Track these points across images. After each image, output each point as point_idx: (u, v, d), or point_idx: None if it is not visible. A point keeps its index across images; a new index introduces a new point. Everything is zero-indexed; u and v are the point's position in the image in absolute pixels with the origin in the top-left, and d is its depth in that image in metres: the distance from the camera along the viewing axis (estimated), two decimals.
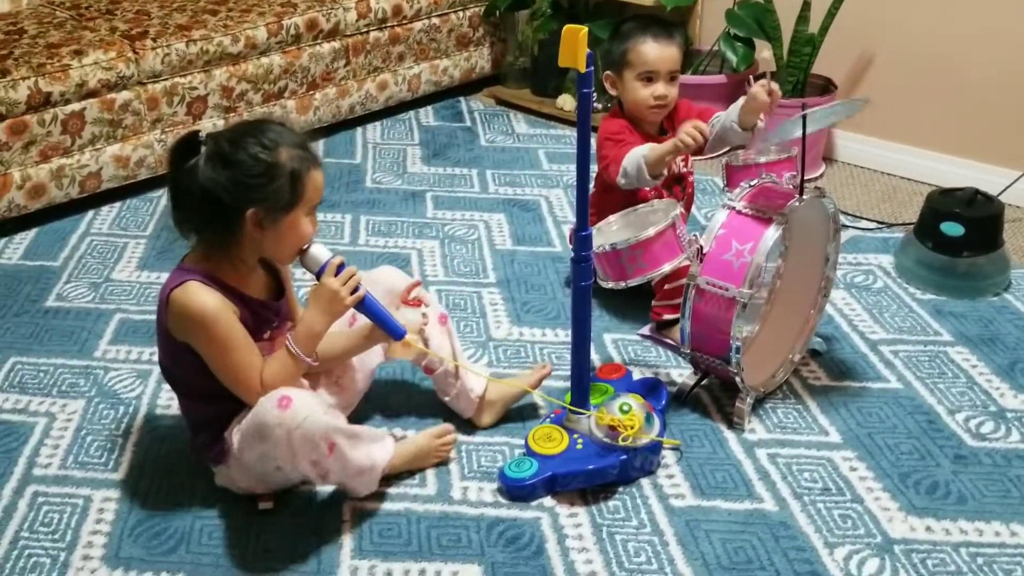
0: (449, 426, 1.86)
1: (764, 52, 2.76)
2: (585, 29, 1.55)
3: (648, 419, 1.79)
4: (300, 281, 2.21)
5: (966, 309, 2.35)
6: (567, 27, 1.57)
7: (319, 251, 1.69)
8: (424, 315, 1.83)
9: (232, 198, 1.58)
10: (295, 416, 1.56)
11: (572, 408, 1.83)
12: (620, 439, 1.73)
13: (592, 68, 1.61)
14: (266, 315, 1.73)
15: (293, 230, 1.64)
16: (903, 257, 2.52)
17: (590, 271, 1.75)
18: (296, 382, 1.70)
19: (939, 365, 2.15)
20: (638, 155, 2.14)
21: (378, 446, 1.73)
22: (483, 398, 1.91)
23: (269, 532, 1.69)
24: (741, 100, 2.19)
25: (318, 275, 1.69)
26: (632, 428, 1.73)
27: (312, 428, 1.57)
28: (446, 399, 1.94)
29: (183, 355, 1.67)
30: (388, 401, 2.03)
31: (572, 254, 1.75)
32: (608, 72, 2.30)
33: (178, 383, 1.76)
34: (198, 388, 1.70)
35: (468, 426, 1.94)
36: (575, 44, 1.55)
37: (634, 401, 1.78)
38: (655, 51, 2.20)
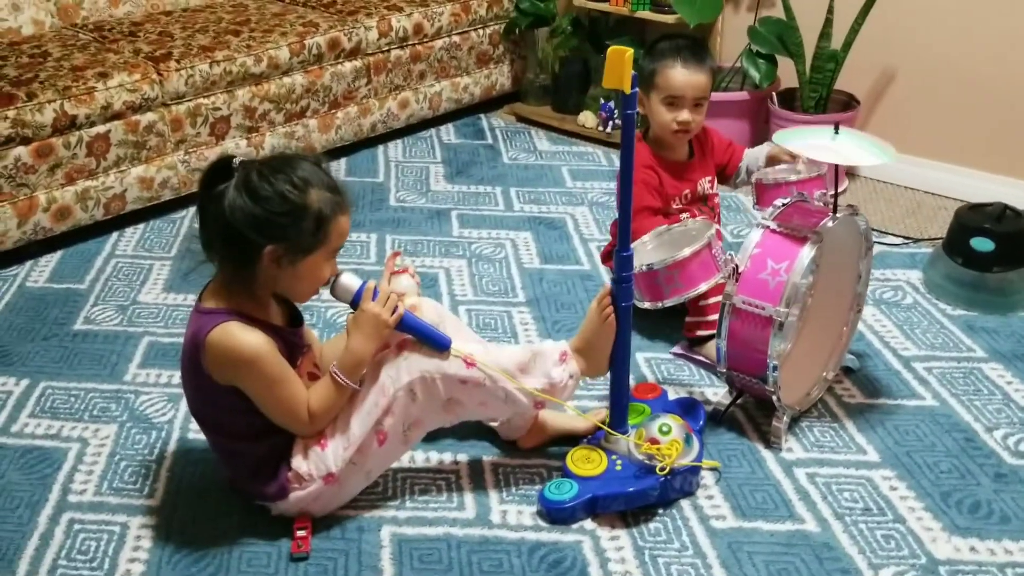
0: (605, 287, 1.77)
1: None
2: (631, 51, 1.55)
3: (687, 440, 1.78)
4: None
5: (998, 324, 2.34)
6: (613, 48, 1.56)
7: (349, 280, 1.69)
8: (414, 276, 1.82)
9: (254, 232, 1.56)
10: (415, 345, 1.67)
11: (609, 430, 1.82)
12: (658, 469, 1.72)
13: (636, 89, 1.61)
14: (295, 343, 1.72)
15: (311, 273, 1.63)
16: (932, 272, 2.51)
17: (631, 292, 1.74)
18: (340, 409, 1.69)
19: (974, 382, 2.13)
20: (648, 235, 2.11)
21: (543, 351, 1.73)
22: (537, 420, 1.90)
23: (309, 559, 1.68)
24: (767, 147, 2.25)
25: (353, 303, 1.68)
26: (671, 457, 1.72)
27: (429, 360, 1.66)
28: (494, 424, 1.93)
29: (226, 397, 1.64)
30: None
31: (606, 273, 1.74)
32: (636, 90, 2.29)
33: (222, 428, 1.72)
34: (247, 428, 1.67)
35: (507, 448, 1.93)
36: (621, 65, 1.55)
37: (673, 422, 1.77)
38: (682, 77, 2.20)
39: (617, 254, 1.72)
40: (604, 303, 1.75)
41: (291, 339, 1.71)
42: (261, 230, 1.56)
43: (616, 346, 1.77)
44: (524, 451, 1.92)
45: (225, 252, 1.61)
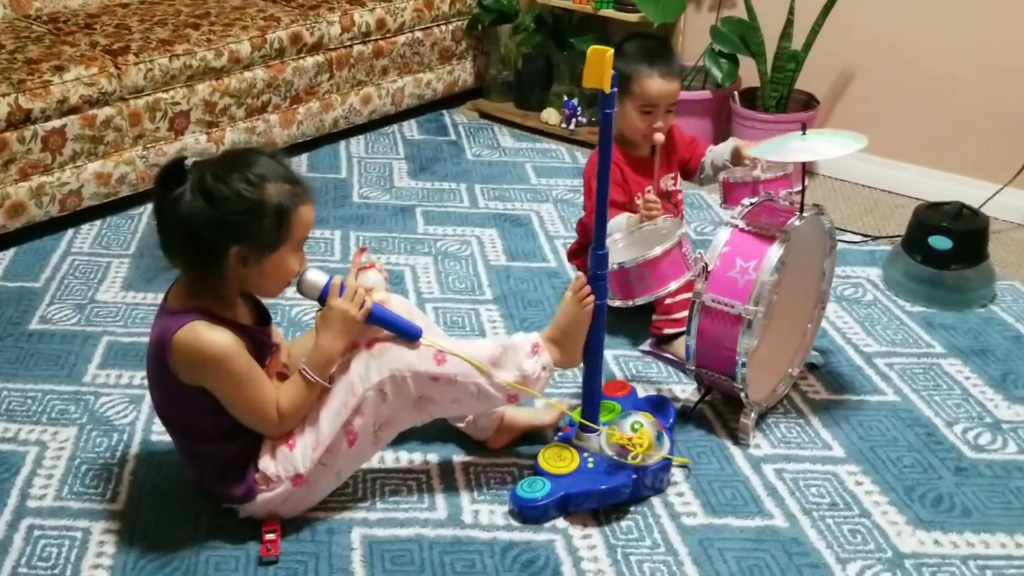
0: (577, 279, 1.77)
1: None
2: (611, 51, 1.56)
3: (658, 437, 1.79)
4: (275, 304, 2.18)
5: (956, 321, 2.39)
6: (593, 48, 1.57)
7: (316, 276, 1.66)
8: (382, 271, 1.80)
9: (215, 235, 1.54)
10: (384, 342, 1.65)
11: (586, 423, 1.82)
12: (630, 457, 1.73)
13: (616, 89, 1.61)
14: (263, 342, 1.70)
15: (279, 268, 1.61)
16: (892, 270, 2.56)
17: (605, 290, 1.75)
18: (311, 406, 1.67)
19: (933, 377, 2.18)
20: (617, 225, 2.14)
21: (514, 343, 1.72)
22: (503, 420, 1.90)
23: (278, 563, 1.66)
24: (732, 142, 2.26)
25: (320, 300, 1.66)
26: (642, 446, 1.73)
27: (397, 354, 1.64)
28: (460, 424, 1.91)
29: (193, 398, 1.61)
30: None
31: (572, 271, 1.75)
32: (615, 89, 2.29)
33: (189, 428, 1.69)
34: (215, 429, 1.65)
35: (477, 448, 1.92)
36: (601, 65, 1.55)
37: (645, 419, 1.78)
38: (660, 87, 2.20)
39: (593, 252, 1.72)
40: (583, 292, 1.74)
41: (259, 338, 1.68)
42: (222, 233, 1.54)
43: (589, 344, 1.78)
44: (494, 451, 1.91)
45: (189, 256, 1.59)
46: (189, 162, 1.56)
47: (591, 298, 1.74)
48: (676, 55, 2.30)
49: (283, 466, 1.66)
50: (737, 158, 2.26)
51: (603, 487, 1.73)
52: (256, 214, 1.54)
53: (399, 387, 1.66)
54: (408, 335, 1.69)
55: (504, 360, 1.71)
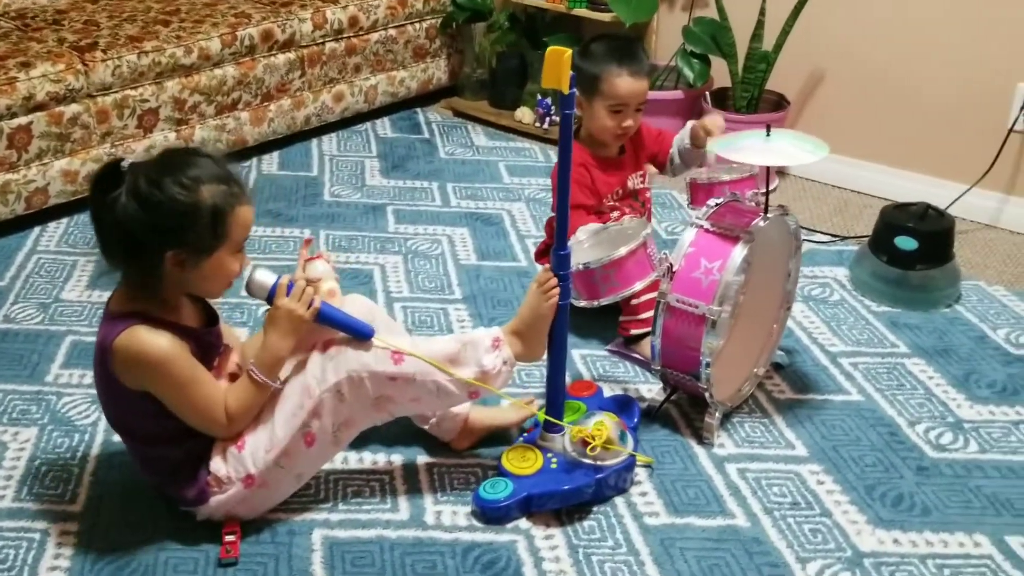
0: (542, 273, 1.75)
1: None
2: (569, 51, 1.55)
3: (622, 437, 1.79)
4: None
5: (920, 321, 2.41)
6: (551, 49, 1.57)
7: (263, 276, 1.65)
8: (330, 262, 1.78)
9: (151, 239, 1.52)
10: (339, 344, 1.64)
11: (551, 420, 1.82)
12: (589, 449, 1.73)
13: (575, 90, 1.61)
14: (211, 343, 1.68)
15: (218, 271, 1.59)
16: (858, 270, 2.57)
17: (568, 290, 1.75)
18: (260, 407, 1.66)
19: (897, 377, 2.19)
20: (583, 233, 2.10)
21: (474, 339, 1.71)
22: (467, 421, 1.89)
23: (237, 565, 1.65)
24: (690, 124, 2.30)
25: (268, 299, 1.64)
26: (601, 438, 1.73)
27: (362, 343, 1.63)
28: (425, 426, 1.90)
29: (139, 403, 1.60)
30: None
31: (541, 270, 1.75)
32: (575, 91, 2.29)
33: (136, 432, 1.68)
34: (162, 433, 1.63)
35: (441, 448, 1.92)
36: (559, 66, 1.55)
37: (608, 419, 1.79)
38: (630, 86, 2.20)
39: (554, 252, 1.72)
40: (548, 284, 1.72)
41: (205, 339, 1.66)
42: (158, 237, 1.52)
43: (552, 343, 1.78)
44: (459, 451, 1.91)
45: (127, 260, 1.57)
46: (125, 164, 1.54)
47: (555, 291, 1.73)
48: (644, 53, 2.30)
49: (233, 467, 1.65)
50: (696, 139, 2.27)
51: (565, 487, 1.74)
52: (191, 217, 1.52)
53: (356, 388, 1.65)
54: (360, 334, 1.67)
55: (464, 356, 1.69)
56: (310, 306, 1.63)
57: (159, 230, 1.52)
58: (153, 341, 1.55)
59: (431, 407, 1.79)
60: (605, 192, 2.29)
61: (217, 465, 1.65)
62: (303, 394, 1.64)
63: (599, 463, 1.75)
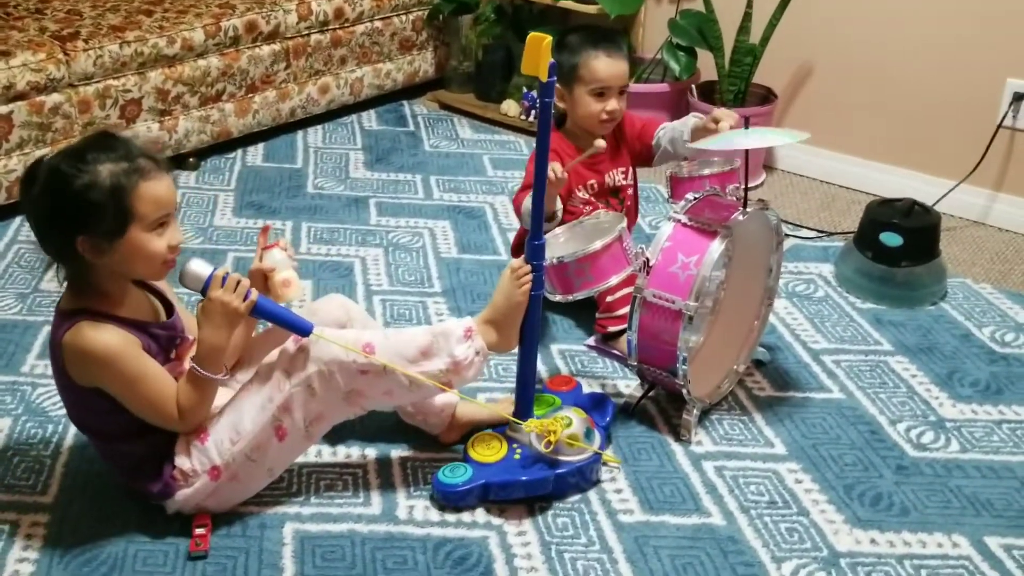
0: (515, 261, 1.74)
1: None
2: (549, 38, 1.54)
3: (587, 434, 1.77)
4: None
5: (905, 318, 2.39)
6: (531, 35, 1.55)
7: (198, 267, 1.58)
8: (287, 249, 1.74)
9: (59, 228, 1.50)
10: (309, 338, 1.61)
11: (510, 419, 1.80)
12: (543, 444, 1.72)
13: (555, 78, 1.59)
14: (165, 336, 1.65)
15: (139, 251, 1.52)
16: (843, 266, 2.55)
17: (541, 280, 1.73)
18: (212, 401, 1.63)
19: (880, 375, 2.18)
20: (527, 204, 2.07)
21: (446, 330, 1.68)
22: (454, 415, 1.87)
23: (207, 558, 1.63)
24: (692, 118, 2.18)
25: (203, 291, 1.59)
26: (555, 433, 1.71)
27: (332, 337, 1.61)
28: (411, 421, 1.88)
29: (93, 400, 1.58)
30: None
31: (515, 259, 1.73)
32: (556, 83, 2.26)
33: (95, 429, 1.66)
34: (120, 428, 1.61)
35: (416, 442, 1.90)
36: (538, 53, 1.53)
37: (575, 415, 1.77)
38: (608, 67, 2.18)
39: (528, 242, 1.71)
40: (521, 271, 1.71)
41: (158, 332, 1.63)
42: (64, 223, 1.50)
43: (523, 335, 1.76)
44: (438, 445, 1.89)
45: (50, 253, 1.56)
46: (45, 160, 1.53)
47: (528, 279, 1.71)
48: (620, 37, 2.28)
49: (198, 460, 1.64)
50: (697, 134, 2.19)
51: (523, 479, 1.72)
52: (88, 198, 1.48)
53: (326, 381, 1.63)
54: (298, 330, 1.64)
55: (435, 348, 1.67)
56: (246, 298, 1.59)
57: (63, 216, 1.50)
58: (98, 337, 1.52)
59: (404, 400, 1.77)
60: (575, 183, 2.25)
61: (182, 460, 1.64)
62: (272, 387, 1.62)
63: (558, 458, 1.74)
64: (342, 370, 1.62)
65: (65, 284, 1.61)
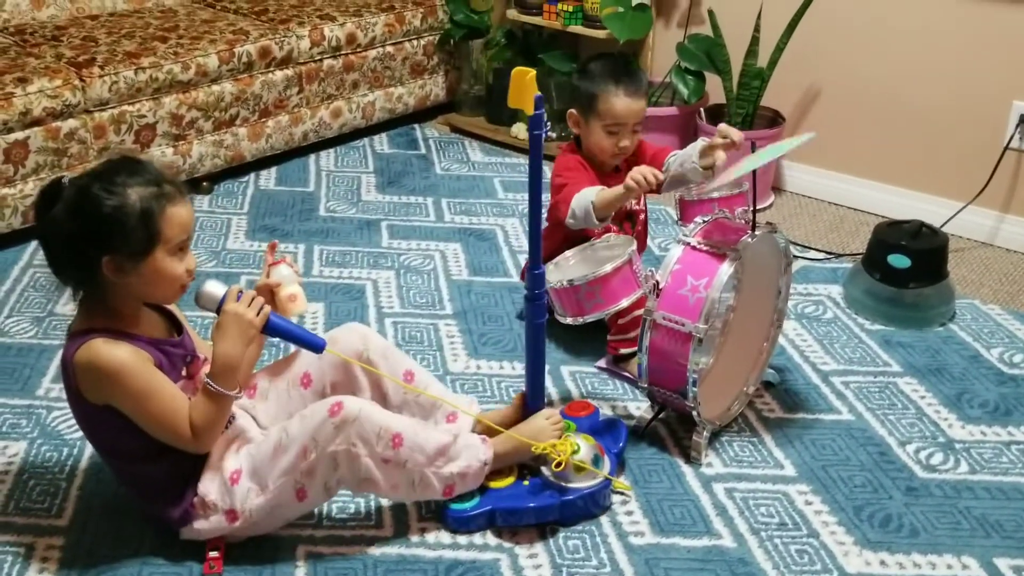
0: (554, 413, 1.84)
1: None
2: (533, 72, 1.57)
3: (596, 461, 1.78)
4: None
5: (914, 339, 2.40)
6: (516, 70, 1.58)
7: (213, 287, 1.61)
8: (293, 266, 1.77)
9: (84, 248, 1.52)
10: (349, 412, 1.61)
11: (524, 439, 1.81)
12: (552, 465, 1.73)
13: (542, 111, 1.61)
14: (177, 353, 1.67)
15: (159, 274, 1.56)
16: (852, 288, 2.56)
17: (543, 309, 1.75)
18: (225, 419, 1.64)
19: (889, 396, 2.18)
20: (587, 198, 2.13)
21: (464, 434, 1.75)
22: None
23: None
24: (700, 142, 2.19)
25: (218, 310, 1.61)
26: (564, 455, 1.73)
27: (369, 418, 1.62)
28: None
29: (106, 419, 1.59)
30: None
31: (525, 291, 1.75)
32: (573, 111, 2.28)
33: (112, 450, 1.67)
34: (139, 448, 1.62)
35: None
36: (523, 87, 1.56)
37: (584, 442, 1.78)
38: (626, 106, 2.20)
39: (529, 272, 1.73)
40: (556, 418, 1.81)
41: (170, 350, 1.65)
42: (90, 244, 1.52)
43: (530, 363, 1.77)
44: None
45: (70, 273, 1.58)
46: (66, 180, 1.56)
47: (560, 426, 1.81)
48: (642, 73, 2.30)
49: (220, 496, 1.65)
50: (706, 154, 2.18)
51: (530, 505, 1.73)
52: (118, 220, 1.51)
53: (352, 462, 1.63)
54: (310, 346, 1.67)
55: (454, 450, 1.71)
56: (259, 312, 1.60)
57: (90, 236, 1.52)
58: (109, 352, 1.54)
59: (402, 497, 1.76)
60: None
61: (206, 487, 1.65)
62: (301, 454, 1.62)
63: (566, 484, 1.75)
64: (369, 455, 1.63)
65: (78, 307, 1.63)
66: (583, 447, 1.76)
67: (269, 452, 1.65)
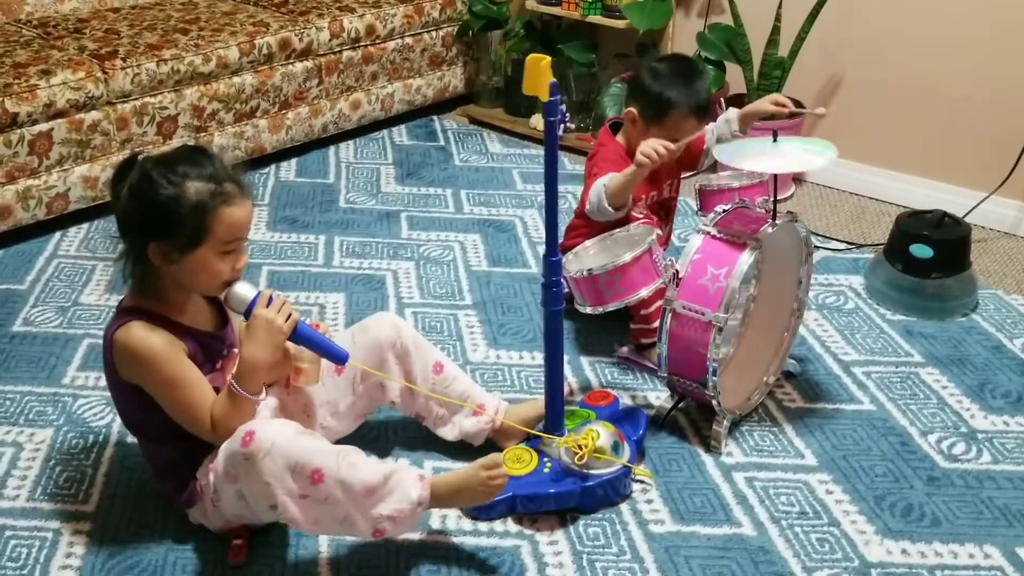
0: (499, 456, 1.66)
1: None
2: (548, 59, 1.57)
3: (615, 448, 1.79)
4: None
5: (936, 330, 2.38)
6: (530, 56, 1.58)
7: (244, 289, 1.62)
8: (323, 328, 1.73)
9: (136, 229, 1.55)
10: (260, 445, 1.49)
11: (543, 435, 1.82)
12: (576, 459, 1.73)
13: (556, 97, 1.61)
14: (215, 346, 1.69)
15: (203, 268, 1.57)
16: (873, 278, 2.55)
17: (560, 296, 1.75)
18: (250, 417, 1.61)
19: (911, 386, 2.17)
20: (600, 184, 2.13)
21: (399, 472, 1.57)
22: (496, 429, 1.87)
23: (244, 564, 1.67)
24: (732, 111, 2.22)
25: (247, 314, 1.62)
26: (587, 447, 1.73)
27: (282, 452, 1.49)
28: (448, 436, 1.90)
29: (134, 396, 1.63)
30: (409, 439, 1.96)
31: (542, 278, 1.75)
32: (634, 110, 2.24)
33: (138, 427, 1.71)
34: (158, 429, 1.65)
35: (449, 452, 1.92)
36: (538, 74, 1.56)
37: (603, 429, 1.79)
38: (693, 128, 2.18)
39: (545, 259, 1.73)
40: (496, 473, 1.61)
41: (208, 342, 1.67)
42: (142, 227, 1.55)
43: (548, 351, 1.78)
44: (472, 454, 1.87)
45: (124, 250, 1.61)
46: (140, 157, 1.59)
47: (500, 482, 1.62)
48: (711, 95, 2.26)
49: (208, 484, 1.65)
50: (745, 124, 2.23)
51: (550, 491, 1.74)
52: (171, 210, 1.53)
53: (267, 498, 1.54)
54: (334, 357, 1.68)
55: (385, 490, 1.55)
56: (288, 318, 1.61)
57: (143, 220, 1.55)
58: (145, 338, 1.57)
59: (331, 533, 1.67)
60: (637, 196, 2.27)
61: (203, 473, 1.67)
62: (225, 476, 1.58)
63: (587, 471, 1.75)
64: (285, 492, 1.52)
65: (130, 283, 1.65)
66: (603, 435, 1.76)
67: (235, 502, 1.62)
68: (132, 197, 1.55)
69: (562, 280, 1.75)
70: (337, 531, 1.62)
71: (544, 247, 1.75)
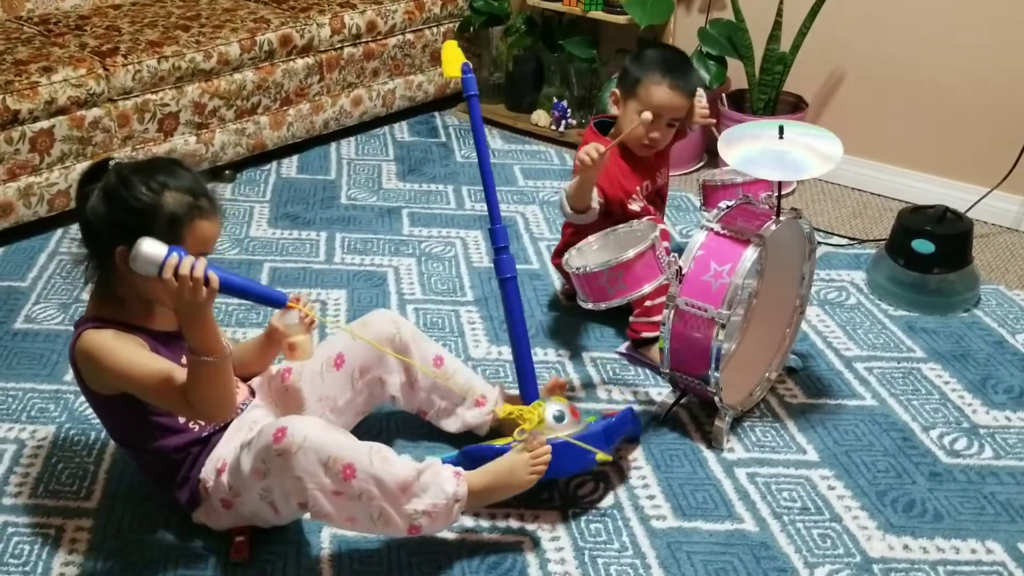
0: (537, 433, 1.67)
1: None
2: (454, 43, 1.95)
3: (559, 418, 1.76)
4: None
5: (938, 325, 2.38)
6: (446, 43, 1.92)
7: (152, 248, 1.45)
8: (302, 309, 1.67)
9: (105, 233, 1.53)
10: (292, 440, 1.50)
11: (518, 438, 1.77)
12: (516, 432, 1.72)
13: (471, 74, 1.85)
14: (176, 343, 1.65)
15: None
16: (875, 274, 2.55)
17: (512, 263, 1.85)
18: (225, 384, 1.56)
19: (913, 382, 2.17)
20: (563, 190, 2.16)
21: (434, 467, 1.58)
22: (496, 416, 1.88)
23: (247, 561, 1.67)
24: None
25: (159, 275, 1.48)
26: (531, 422, 1.73)
27: (314, 446, 1.50)
28: (453, 430, 1.91)
29: (115, 408, 1.62)
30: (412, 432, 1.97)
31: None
32: (616, 90, 2.28)
33: (125, 439, 1.71)
34: (146, 435, 1.64)
35: (454, 447, 1.93)
36: (452, 55, 1.90)
37: (554, 403, 1.79)
38: (667, 98, 2.19)
39: (492, 229, 1.85)
40: (540, 454, 1.63)
41: (170, 342, 1.64)
42: (112, 231, 1.53)
43: (511, 321, 1.81)
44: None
45: (88, 254, 1.60)
46: (112, 163, 1.58)
47: (547, 459, 1.63)
48: (695, 73, 2.26)
49: (216, 484, 1.65)
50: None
51: (497, 447, 1.71)
52: (147, 218, 1.51)
53: (300, 493, 1.55)
54: (272, 301, 1.61)
55: (418, 486, 1.56)
56: (207, 283, 1.46)
57: (115, 225, 1.53)
58: (94, 336, 1.56)
59: (367, 532, 1.64)
60: (630, 188, 2.27)
61: (208, 473, 1.66)
62: (254, 473, 1.57)
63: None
64: (318, 488, 1.53)
65: (90, 294, 1.65)
66: (546, 405, 1.77)
67: (247, 499, 1.62)
68: (107, 200, 1.53)
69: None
70: (372, 528, 1.60)
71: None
